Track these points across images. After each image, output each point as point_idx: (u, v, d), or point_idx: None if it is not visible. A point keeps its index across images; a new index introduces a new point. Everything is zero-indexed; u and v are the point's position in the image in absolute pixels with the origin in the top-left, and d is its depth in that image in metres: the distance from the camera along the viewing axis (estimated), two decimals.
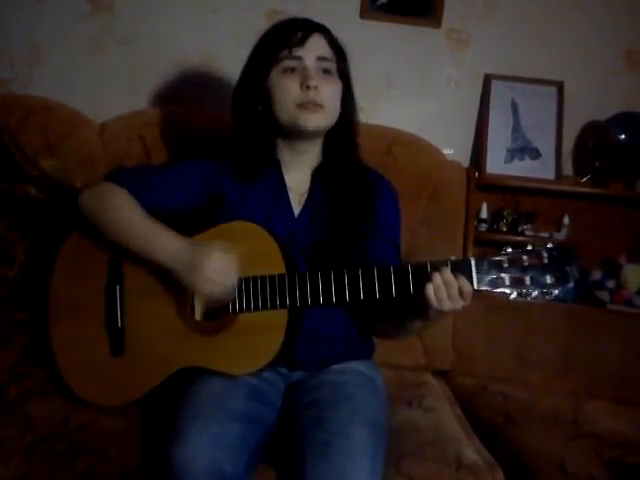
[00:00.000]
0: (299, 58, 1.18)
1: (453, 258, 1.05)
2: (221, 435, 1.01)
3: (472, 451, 1.25)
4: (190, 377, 1.15)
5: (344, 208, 1.24)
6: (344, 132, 1.26)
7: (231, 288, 1.12)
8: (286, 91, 1.17)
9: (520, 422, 1.44)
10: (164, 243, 1.15)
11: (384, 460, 1.06)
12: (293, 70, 1.18)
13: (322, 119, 1.19)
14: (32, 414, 1.22)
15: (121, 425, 1.20)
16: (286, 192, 1.27)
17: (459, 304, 1.02)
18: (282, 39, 1.19)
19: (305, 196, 1.27)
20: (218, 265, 1.11)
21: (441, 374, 1.69)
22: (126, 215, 1.18)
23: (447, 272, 1.02)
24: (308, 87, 1.16)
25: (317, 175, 1.28)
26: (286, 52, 1.18)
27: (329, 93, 1.20)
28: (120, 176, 1.24)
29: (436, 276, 1.02)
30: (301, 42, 1.17)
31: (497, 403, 1.54)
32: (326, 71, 1.20)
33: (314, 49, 1.19)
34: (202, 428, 1.01)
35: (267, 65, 1.19)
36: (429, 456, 1.19)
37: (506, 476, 1.22)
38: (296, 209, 1.26)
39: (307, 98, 1.16)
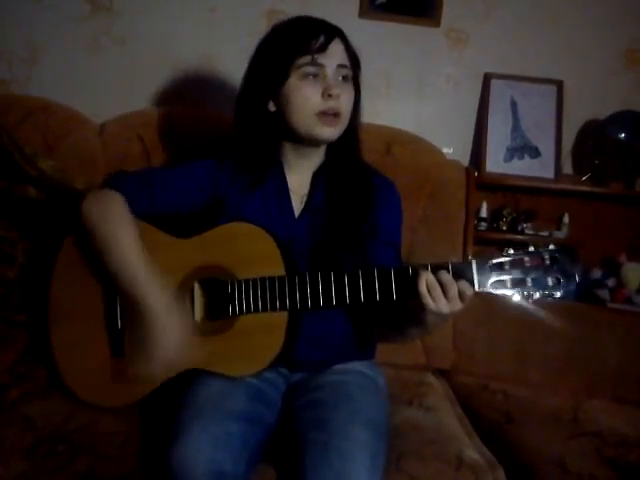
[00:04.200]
0: (321, 65, 1.16)
1: (455, 260, 1.04)
2: (221, 435, 1.01)
3: (473, 450, 1.25)
4: (190, 377, 1.15)
5: (345, 210, 1.23)
6: (349, 136, 1.25)
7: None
8: (307, 99, 1.15)
9: (520, 421, 1.44)
10: (146, 293, 1.12)
11: (385, 460, 1.06)
12: (314, 76, 1.16)
13: (337, 130, 1.19)
14: (32, 415, 1.21)
15: (121, 425, 1.20)
16: (288, 194, 1.26)
17: (457, 305, 1.01)
18: (302, 43, 1.15)
19: (306, 198, 1.27)
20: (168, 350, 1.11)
21: (441, 373, 1.69)
22: (120, 245, 1.14)
23: (444, 272, 1.01)
24: (330, 95, 1.14)
25: (318, 177, 1.28)
26: (307, 58, 1.15)
27: (347, 101, 1.19)
28: (121, 183, 1.21)
29: (429, 275, 1.01)
30: (323, 48, 1.15)
31: (498, 402, 1.54)
32: (344, 78, 1.19)
33: (335, 56, 1.17)
34: (202, 428, 1.01)
35: (285, 68, 1.16)
36: (430, 455, 1.18)
37: (507, 475, 1.22)
38: (297, 211, 1.26)
39: (327, 106, 1.15)
